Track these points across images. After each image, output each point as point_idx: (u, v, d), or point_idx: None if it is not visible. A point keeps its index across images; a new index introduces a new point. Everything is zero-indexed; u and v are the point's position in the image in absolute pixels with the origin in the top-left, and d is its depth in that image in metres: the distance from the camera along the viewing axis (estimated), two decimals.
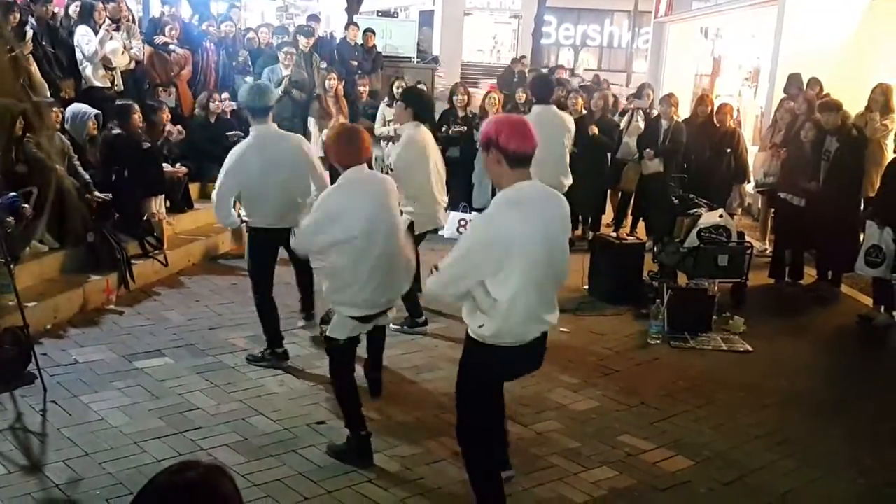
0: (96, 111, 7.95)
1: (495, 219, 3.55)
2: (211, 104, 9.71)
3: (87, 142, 7.81)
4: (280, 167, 5.64)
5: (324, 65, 11.37)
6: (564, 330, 6.80)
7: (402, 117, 6.77)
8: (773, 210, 9.52)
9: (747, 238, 8.10)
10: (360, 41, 13.46)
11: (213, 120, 9.72)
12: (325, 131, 10.01)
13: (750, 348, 6.72)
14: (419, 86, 10.50)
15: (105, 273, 6.98)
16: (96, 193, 7.32)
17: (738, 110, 10.93)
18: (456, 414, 3.91)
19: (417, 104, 6.76)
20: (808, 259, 8.76)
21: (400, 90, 10.06)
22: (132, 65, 9.70)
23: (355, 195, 4.45)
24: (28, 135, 6.72)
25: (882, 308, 7.56)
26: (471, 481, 3.89)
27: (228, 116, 10.01)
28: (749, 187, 10.39)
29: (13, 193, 6.14)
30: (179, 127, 8.80)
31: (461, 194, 9.80)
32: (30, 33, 8.21)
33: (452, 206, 9.27)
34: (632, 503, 4.32)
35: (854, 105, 8.77)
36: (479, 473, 3.87)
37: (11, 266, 5.51)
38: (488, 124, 3.59)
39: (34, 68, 8.14)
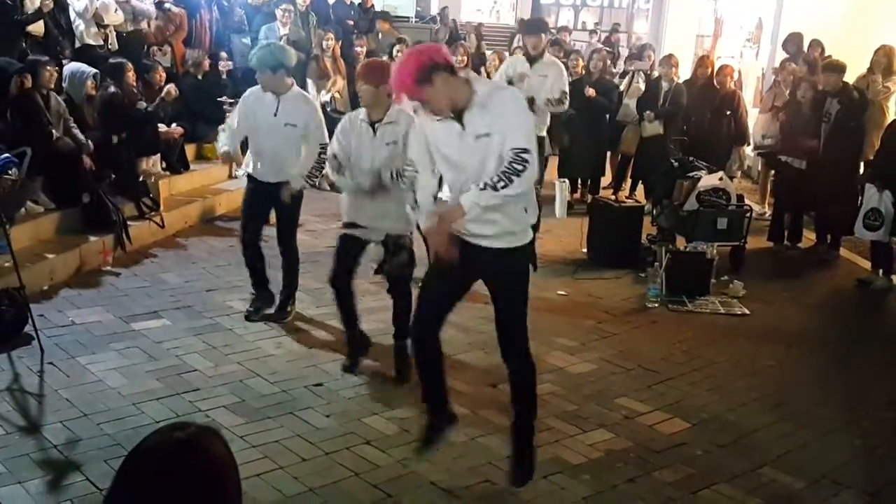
0: (95, 70, 7.85)
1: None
2: (204, 62, 9.57)
3: (84, 101, 7.72)
4: None
5: (314, 20, 11.17)
6: (562, 293, 6.79)
7: None
8: (772, 173, 9.47)
9: (746, 201, 8.06)
10: (356, 0, 13.28)
11: (200, 77, 9.57)
12: (323, 92, 9.92)
13: (748, 311, 6.71)
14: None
15: (101, 234, 6.95)
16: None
17: (738, 72, 10.83)
18: (519, 336, 3.83)
19: None
20: (807, 222, 8.74)
21: (400, 54, 9.96)
22: (129, 26, 9.50)
23: None
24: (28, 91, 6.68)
25: (881, 271, 7.54)
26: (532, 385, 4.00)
27: (224, 76, 9.89)
28: (749, 150, 10.33)
29: (6, 154, 6.08)
30: (174, 86, 8.72)
31: None
32: None
33: None
34: (628, 465, 4.34)
35: (856, 67, 8.68)
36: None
37: (6, 227, 5.48)
38: (421, 53, 3.51)
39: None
